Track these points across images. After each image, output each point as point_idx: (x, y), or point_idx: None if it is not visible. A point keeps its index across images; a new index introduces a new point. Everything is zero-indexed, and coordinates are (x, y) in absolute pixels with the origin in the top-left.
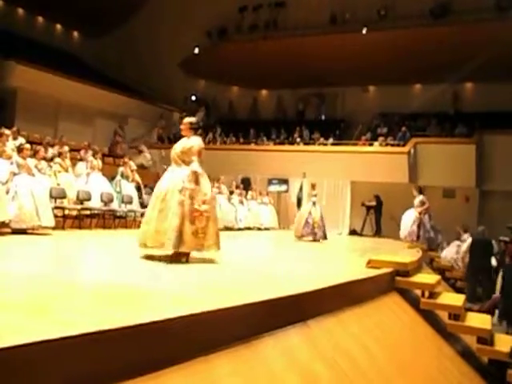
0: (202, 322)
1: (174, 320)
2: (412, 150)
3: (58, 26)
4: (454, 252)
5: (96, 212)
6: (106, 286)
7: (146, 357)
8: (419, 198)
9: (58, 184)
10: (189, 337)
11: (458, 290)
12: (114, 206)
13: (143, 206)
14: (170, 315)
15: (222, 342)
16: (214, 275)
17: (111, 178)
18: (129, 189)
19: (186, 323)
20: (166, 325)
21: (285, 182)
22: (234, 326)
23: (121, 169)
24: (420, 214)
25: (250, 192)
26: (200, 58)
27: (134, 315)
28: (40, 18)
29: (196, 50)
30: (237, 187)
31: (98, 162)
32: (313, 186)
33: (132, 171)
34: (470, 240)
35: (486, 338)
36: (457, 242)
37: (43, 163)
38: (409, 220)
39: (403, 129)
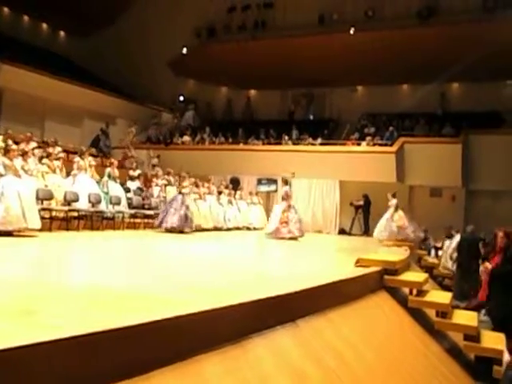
0: (191, 323)
1: (163, 321)
2: (400, 150)
3: (44, 26)
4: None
5: (83, 213)
6: (94, 288)
7: (135, 359)
8: (393, 202)
9: (46, 185)
10: (178, 338)
11: (446, 288)
12: (102, 207)
13: (131, 206)
14: (159, 317)
15: (212, 342)
16: (203, 276)
17: (99, 179)
18: (117, 190)
19: (174, 324)
20: (154, 326)
21: (274, 182)
22: (223, 327)
23: (108, 170)
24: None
25: (238, 192)
26: (188, 57)
27: (122, 317)
28: (26, 17)
29: (184, 50)
30: (226, 187)
31: (85, 163)
32: (285, 182)
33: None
34: (458, 238)
35: (472, 335)
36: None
37: (31, 163)
38: (384, 221)
39: (391, 128)
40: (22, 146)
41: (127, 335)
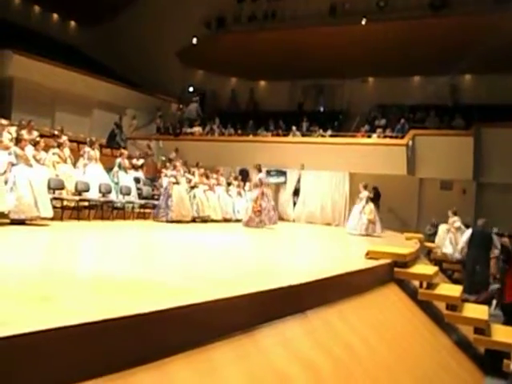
0: (202, 312)
1: (174, 310)
2: (410, 142)
3: (55, 16)
4: (448, 241)
5: (94, 203)
6: (106, 276)
7: (147, 346)
8: (364, 194)
9: (57, 175)
10: (189, 326)
11: (455, 281)
12: (112, 197)
13: (141, 197)
14: (170, 305)
15: (222, 331)
16: (213, 266)
17: (109, 169)
18: (127, 180)
19: (185, 313)
20: (165, 315)
21: (283, 173)
22: (234, 316)
23: (118, 160)
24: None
25: (248, 183)
26: (198, 48)
27: (134, 305)
28: (36, 7)
29: (194, 41)
30: (235, 179)
31: (96, 153)
32: (259, 169)
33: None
34: (469, 232)
35: (482, 329)
36: (445, 226)
37: (42, 154)
38: (356, 214)
39: (402, 121)
40: (23, 133)
41: (139, 322)
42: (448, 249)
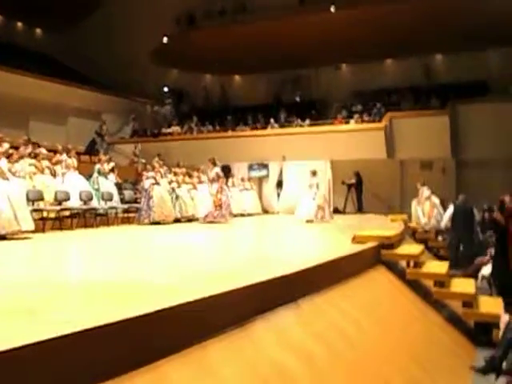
0: (194, 309)
1: (165, 311)
2: (388, 125)
3: (19, 24)
4: (420, 213)
5: (76, 211)
6: (94, 283)
7: (142, 348)
8: (314, 181)
9: (34, 186)
10: (182, 326)
11: (441, 258)
12: (94, 203)
13: (124, 201)
14: (160, 306)
15: (216, 328)
16: (202, 264)
17: (88, 177)
18: (108, 185)
19: (177, 313)
20: (156, 316)
21: (265, 166)
22: (226, 312)
23: (97, 166)
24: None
25: (230, 179)
26: (170, 47)
27: (125, 309)
28: (0, 17)
29: (165, 40)
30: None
31: (73, 161)
32: (213, 163)
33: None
34: (451, 208)
35: (470, 302)
36: (414, 202)
37: (17, 166)
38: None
39: (378, 105)
40: None
41: (132, 326)
42: (421, 219)
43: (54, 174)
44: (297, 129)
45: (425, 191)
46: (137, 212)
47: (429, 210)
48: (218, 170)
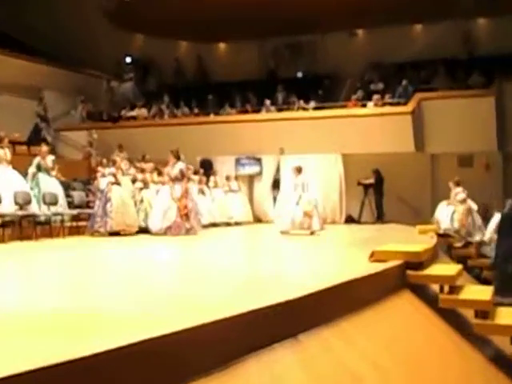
0: (167, 346)
1: (132, 347)
2: (416, 109)
3: None
4: (445, 215)
5: (9, 219)
6: (32, 314)
7: None
8: (299, 180)
9: None
10: (151, 366)
11: (485, 282)
12: (34, 208)
13: (73, 206)
14: (126, 341)
15: (194, 369)
16: (175, 287)
17: (25, 174)
18: (51, 185)
19: (146, 350)
20: (118, 354)
21: (257, 161)
22: (207, 349)
23: (37, 159)
24: None
25: (212, 177)
26: (133, 5)
27: (74, 347)
28: None
29: None
30: (195, 173)
31: (6, 153)
32: (177, 156)
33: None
34: (497, 217)
35: None
36: (444, 203)
37: None
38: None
39: (403, 82)
40: None
41: (82, 368)
42: (443, 223)
43: None
44: (298, 113)
45: (460, 193)
46: (89, 220)
47: (462, 215)
48: (182, 166)
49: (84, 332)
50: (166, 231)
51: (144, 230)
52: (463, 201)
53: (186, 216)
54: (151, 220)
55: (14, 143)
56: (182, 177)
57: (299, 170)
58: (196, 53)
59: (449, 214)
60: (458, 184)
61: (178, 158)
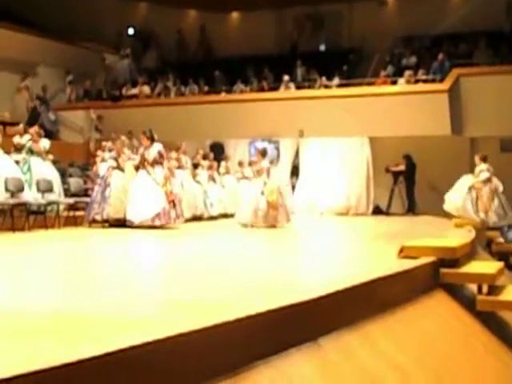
0: (169, 351)
1: (127, 351)
2: (454, 87)
3: None
4: (469, 204)
5: (0, 207)
6: (23, 314)
7: None
8: (264, 164)
9: None
10: (150, 373)
11: None
12: (26, 196)
13: (70, 193)
14: (121, 345)
15: (199, 377)
16: (181, 284)
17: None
18: (45, 170)
19: (144, 355)
20: (115, 358)
21: (274, 145)
22: (215, 354)
23: (29, 142)
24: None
25: (223, 163)
26: None
27: (67, 350)
28: None
29: None
30: (204, 157)
31: None
32: (150, 137)
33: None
34: None
35: None
36: (468, 179)
37: None
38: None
39: (440, 56)
40: None
41: (77, 372)
42: (468, 211)
43: None
44: (321, 91)
45: (484, 172)
46: (86, 208)
47: (486, 198)
48: (159, 147)
49: (79, 334)
50: (154, 219)
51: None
52: (487, 181)
53: (172, 203)
54: (132, 210)
55: (4, 124)
56: (161, 159)
57: (263, 154)
58: (200, 24)
59: (473, 200)
60: (484, 160)
61: (152, 140)
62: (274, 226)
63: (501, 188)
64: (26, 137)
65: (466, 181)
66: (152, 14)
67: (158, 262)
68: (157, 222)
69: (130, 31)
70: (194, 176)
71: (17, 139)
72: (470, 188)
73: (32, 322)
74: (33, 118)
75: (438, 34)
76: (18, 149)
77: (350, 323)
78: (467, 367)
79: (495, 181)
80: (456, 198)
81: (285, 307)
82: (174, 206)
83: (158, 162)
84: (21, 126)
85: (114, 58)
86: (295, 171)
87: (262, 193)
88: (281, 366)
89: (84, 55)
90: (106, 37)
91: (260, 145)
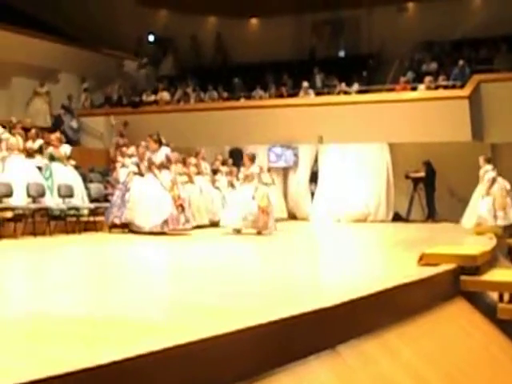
0: (185, 357)
1: (146, 357)
2: (475, 93)
3: None
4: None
5: (21, 212)
6: (46, 317)
7: None
8: (253, 170)
9: None
10: (168, 379)
11: None
12: (47, 201)
13: (90, 199)
14: (139, 351)
15: (217, 383)
16: (201, 290)
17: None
18: (66, 175)
19: (162, 361)
20: (132, 365)
21: (293, 151)
22: (232, 361)
23: (50, 149)
24: None
25: (243, 169)
26: None
27: (86, 355)
28: None
29: None
30: (224, 163)
31: (18, 140)
32: (158, 141)
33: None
34: None
35: None
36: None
37: None
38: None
39: (460, 62)
40: None
41: (94, 378)
42: (483, 214)
43: None
44: (340, 97)
45: (489, 172)
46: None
47: (499, 196)
48: (167, 150)
49: (94, 338)
50: (163, 226)
51: None
52: (492, 181)
53: (181, 207)
54: (141, 216)
55: (25, 130)
56: (169, 163)
57: (252, 159)
58: (219, 30)
59: (489, 205)
60: (488, 161)
61: (160, 144)
62: (260, 233)
63: (508, 186)
64: (39, 141)
65: (476, 194)
66: (172, 20)
67: (177, 267)
68: (165, 229)
69: (151, 38)
70: (213, 182)
71: (29, 144)
72: (483, 196)
73: (54, 326)
74: (56, 126)
75: (458, 39)
76: (30, 153)
77: (369, 331)
78: (487, 375)
79: (501, 180)
80: (471, 213)
81: (304, 314)
82: (183, 210)
83: (165, 166)
84: (33, 130)
85: (133, 65)
86: (314, 177)
87: (253, 197)
88: (299, 374)
89: (104, 62)
90: (125, 43)
91: (279, 151)
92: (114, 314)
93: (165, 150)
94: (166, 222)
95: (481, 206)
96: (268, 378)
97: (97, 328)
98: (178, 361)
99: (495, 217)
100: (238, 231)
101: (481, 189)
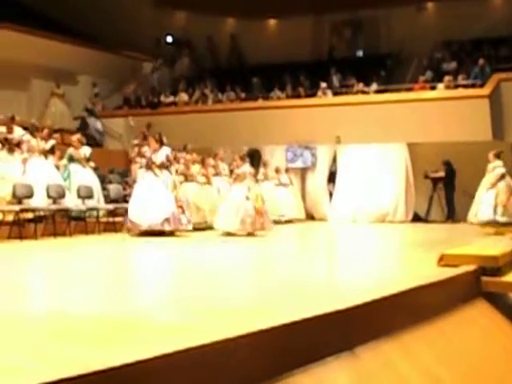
0: (200, 360)
1: (160, 359)
2: (495, 92)
3: None
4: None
5: (42, 213)
6: (65, 316)
7: None
8: (246, 168)
9: None
10: (188, 378)
11: None
12: (67, 203)
13: (109, 200)
14: (154, 353)
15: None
16: (218, 291)
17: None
18: (86, 177)
19: (176, 363)
20: (147, 367)
21: (311, 151)
22: (250, 363)
23: (70, 150)
24: None
25: (261, 169)
26: None
27: (103, 356)
28: None
29: None
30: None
31: (38, 142)
32: (160, 140)
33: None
34: None
35: None
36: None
37: None
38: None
39: (480, 61)
40: None
41: (111, 380)
42: (485, 211)
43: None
44: (358, 97)
45: (498, 167)
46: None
47: (503, 193)
48: (168, 150)
49: (117, 339)
50: (164, 224)
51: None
52: (501, 176)
53: (181, 209)
54: (139, 213)
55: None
56: (169, 163)
57: (244, 158)
58: (237, 31)
59: (491, 200)
60: (498, 156)
61: (161, 143)
62: (252, 234)
63: None
64: (51, 142)
65: (481, 187)
66: (189, 22)
67: (195, 267)
68: (166, 227)
69: (169, 39)
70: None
71: (42, 144)
72: (487, 189)
73: (70, 326)
74: (82, 129)
75: (478, 38)
76: (44, 154)
77: (388, 332)
78: (510, 379)
79: (509, 179)
80: (476, 207)
81: (323, 315)
82: (183, 211)
83: (165, 166)
84: (45, 131)
85: (150, 66)
86: (332, 178)
87: (247, 198)
88: (318, 375)
89: (123, 63)
90: (144, 45)
91: (297, 151)
92: (128, 314)
93: (165, 151)
94: (167, 220)
95: (484, 199)
96: (287, 379)
97: (111, 328)
98: (199, 362)
99: (495, 211)
100: (229, 234)
101: (486, 182)
